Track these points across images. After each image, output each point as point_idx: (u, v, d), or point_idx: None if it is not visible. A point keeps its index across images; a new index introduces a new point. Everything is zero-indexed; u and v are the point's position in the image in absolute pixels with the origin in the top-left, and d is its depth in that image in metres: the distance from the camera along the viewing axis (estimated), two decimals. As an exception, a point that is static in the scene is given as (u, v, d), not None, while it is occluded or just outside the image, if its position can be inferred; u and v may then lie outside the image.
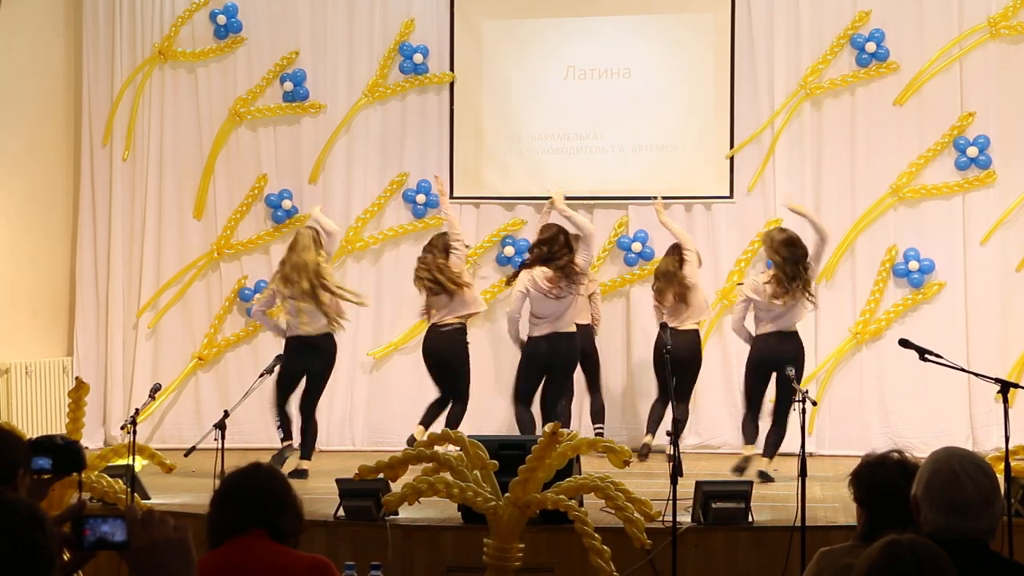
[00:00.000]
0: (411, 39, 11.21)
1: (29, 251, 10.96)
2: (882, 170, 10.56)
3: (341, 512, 7.21)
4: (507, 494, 6.41)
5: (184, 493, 7.89)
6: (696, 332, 9.70)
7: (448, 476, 6.44)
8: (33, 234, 11.01)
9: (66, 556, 2.39)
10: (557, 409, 9.29)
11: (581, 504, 6.61)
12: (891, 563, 2.71)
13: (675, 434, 6.36)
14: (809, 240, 9.08)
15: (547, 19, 11.10)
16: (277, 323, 9.50)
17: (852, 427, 10.42)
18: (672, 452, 6.42)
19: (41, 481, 3.30)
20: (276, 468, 3.80)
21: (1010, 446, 6.24)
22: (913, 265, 10.45)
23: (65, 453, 3.32)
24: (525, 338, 9.36)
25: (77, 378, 8.38)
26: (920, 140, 10.55)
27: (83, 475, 5.80)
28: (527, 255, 9.61)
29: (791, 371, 7.72)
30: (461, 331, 9.48)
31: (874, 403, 10.48)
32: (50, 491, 3.46)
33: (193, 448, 7.37)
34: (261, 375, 8.47)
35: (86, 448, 9.36)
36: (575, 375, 9.69)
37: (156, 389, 7.99)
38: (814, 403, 7.23)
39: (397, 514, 7.05)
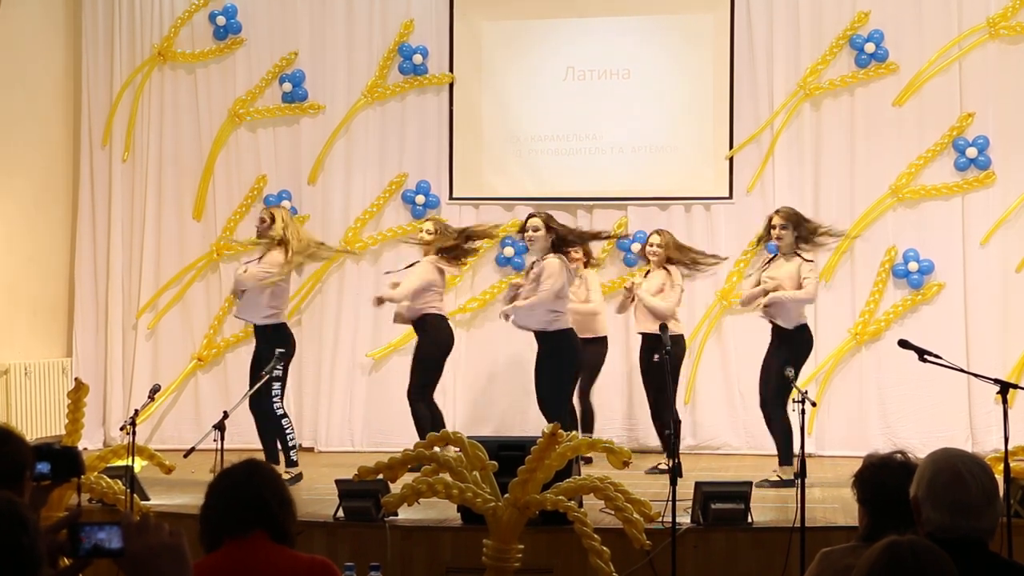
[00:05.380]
0: (410, 40, 11.22)
1: (29, 252, 10.96)
2: (881, 171, 10.56)
3: (340, 513, 7.20)
4: (506, 495, 6.41)
5: (183, 494, 7.88)
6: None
7: (447, 477, 6.44)
8: (33, 235, 11.01)
9: (64, 562, 2.38)
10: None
11: (580, 505, 6.61)
12: (892, 563, 2.71)
13: (674, 434, 6.36)
14: None
15: (546, 20, 11.11)
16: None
17: (851, 428, 10.42)
18: (671, 452, 6.41)
19: (41, 487, 3.30)
20: (273, 467, 3.77)
21: (1009, 447, 6.24)
22: (912, 266, 10.45)
23: (64, 459, 3.32)
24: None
25: (76, 379, 8.38)
26: (919, 141, 10.55)
27: (82, 477, 5.79)
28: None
29: (790, 371, 7.71)
30: None
31: (873, 404, 10.48)
32: (54, 489, 3.46)
33: (192, 449, 7.36)
34: (261, 375, 8.47)
35: (85, 449, 9.40)
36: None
37: (155, 390, 7.98)
38: (813, 404, 7.22)
39: (396, 515, 7.05)
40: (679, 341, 9.34)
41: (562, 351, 8.75)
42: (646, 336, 9.34)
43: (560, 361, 8.75)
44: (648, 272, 9.56)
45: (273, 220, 9.08)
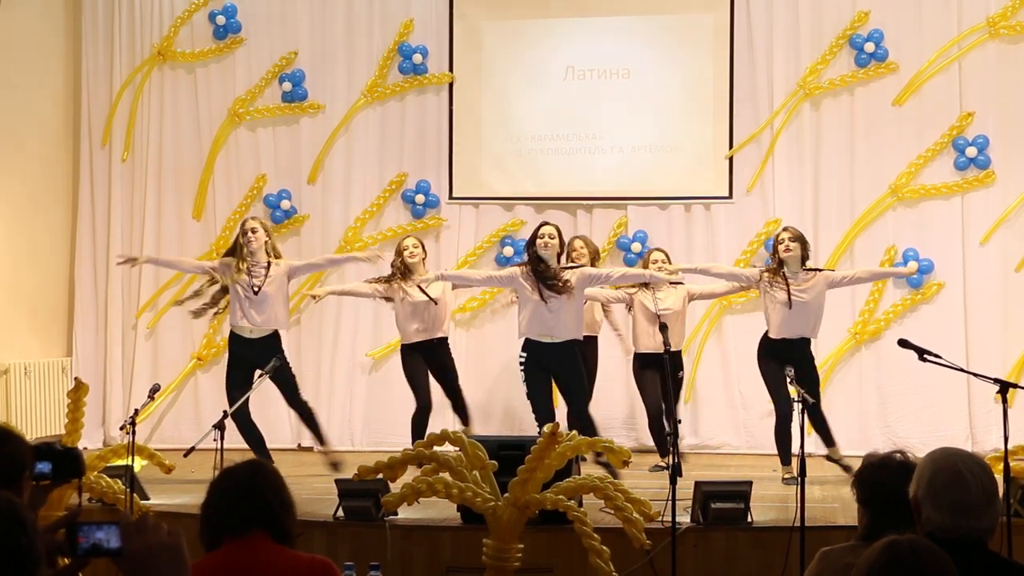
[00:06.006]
0: (410, 39, 11.21)
1: (28, 251, 10.96)
2: (881, 170, 10.57)
3: (340, 513, 7.21)
4: (506, 494, 6.41)
5: (183, 494, 7.88)
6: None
7: (447, 476, 6.44)
8: (33, 234, 11.01)
9: (63, 562, 2.38)
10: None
11: (580, 504, 6.61)
12: (891, 563, 2.71)
13: (674, 434, 6.35)
14: None
15: (546, 19, 11.10)
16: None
17: (851, 428, 10.41)
18: (671, 452, 6.40)
19: (41, 487, 3.29)
20: (274, 466, 3.77)
21: (1009, 446, 6.24)
22: (912, 265, 10.44)
23: (65, 459, 3.32)
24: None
25: (76, 378, 8.38)
26: (919, 140, 10.55)
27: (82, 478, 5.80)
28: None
29: (791, 371, 7.71)
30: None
31: (873, 404, 10.48)
32: (53, 489, 3.46)
33: (192, 448, 7.37)
34: (260, 375, 8.48)
35: (85, 449, 9.39)
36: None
37: (155, 389, 7.99)
38: (813, 403, 7.22)
39: (396, 514, 7.05)
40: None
41: (587, 355, 9.11)
42: (654, 355, 9.21)
43: (586, 365, 9.04)
44: (649, 287, 9.46)
45: (267, 232, 9.18)
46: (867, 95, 10.66)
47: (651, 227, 10.77)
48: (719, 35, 10.82)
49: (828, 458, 9.05)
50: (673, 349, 9.03)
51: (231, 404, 8.59)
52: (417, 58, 11.17)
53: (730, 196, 10.80)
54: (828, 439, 9.05)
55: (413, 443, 8.07)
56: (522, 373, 8.71)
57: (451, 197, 11.15)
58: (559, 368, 8.69)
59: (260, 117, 11.31)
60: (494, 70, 11.16)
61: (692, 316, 10.57)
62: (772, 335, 8.90)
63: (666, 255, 9.54)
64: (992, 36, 10.46)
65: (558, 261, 8.73)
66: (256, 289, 8.98)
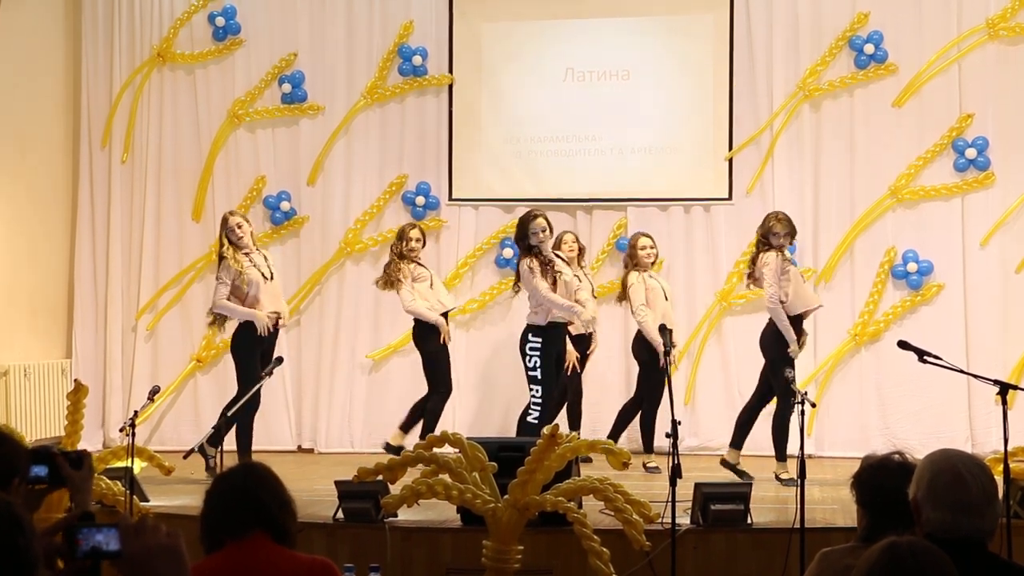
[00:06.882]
0: (410, 41, 11.21)
1: (28, 253, 10.95)
2: (881, 171, 10.57)
3: (340, 514, 7.20)
4: (506, 496, 6.40)
5: (183, 495, 7.87)
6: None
7: (447, 478, 6.44)
8: (32, 236, 11.01)
9: (60, 565, 2.38)
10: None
11: (580, 506, 6.60)
12: (891, 564, 2.71)
13: (674, 435, 6.35)
14: None
15: (546, 21, 11.10)
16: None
17: (851, 429, 10.42)
18: (671, 453, 6.39)
19: (35, 491, 3.28)
20: (269, 467, 3.76)
21: (1009, 447, 6.24)
22: (912, 267, 10.44)
23: (75, 463, 3.31)
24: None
25: (76, 380, 8.37)
26: (919, 141, 10.55)
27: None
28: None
29: (790, 373, 7.70)
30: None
31: (873, 405, 10.48)
32: (50, 493, 3.44)
33: (192, 450, 7.37)
34: (261, 377, 8.47)
35: (84, 450, 9.34)
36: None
37: (155, 391, 7.99)
38: (813, 405, 7.22)
39: (396, 516, 7.05)
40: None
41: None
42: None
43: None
44: (636, 273, 9.55)
45: (249, 222, 9.40)
46: (867, 96, 10.66)
47: (651, 228, 10.73)
48: (719, 36, 10.82)
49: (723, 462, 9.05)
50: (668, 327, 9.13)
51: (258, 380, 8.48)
52: (417, 60, 11.17)
53: (730, 197, 10.80)
54: (742, 440, 9.08)
55: (428, 434, 8.18)
56: (537, 358, 8.79)
57: (451, 199, 11.15)
58: (561, 350, 9.08)
59: (260, 118, 11.31)
60: (494, 71, 11.16)
61: (692, 316, 10.59)
62: (799, 310, 8.84)
63: (652, 240, 9.65)
64: (991, 38, 10.46)
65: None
66: (270, 276, 9.19)
